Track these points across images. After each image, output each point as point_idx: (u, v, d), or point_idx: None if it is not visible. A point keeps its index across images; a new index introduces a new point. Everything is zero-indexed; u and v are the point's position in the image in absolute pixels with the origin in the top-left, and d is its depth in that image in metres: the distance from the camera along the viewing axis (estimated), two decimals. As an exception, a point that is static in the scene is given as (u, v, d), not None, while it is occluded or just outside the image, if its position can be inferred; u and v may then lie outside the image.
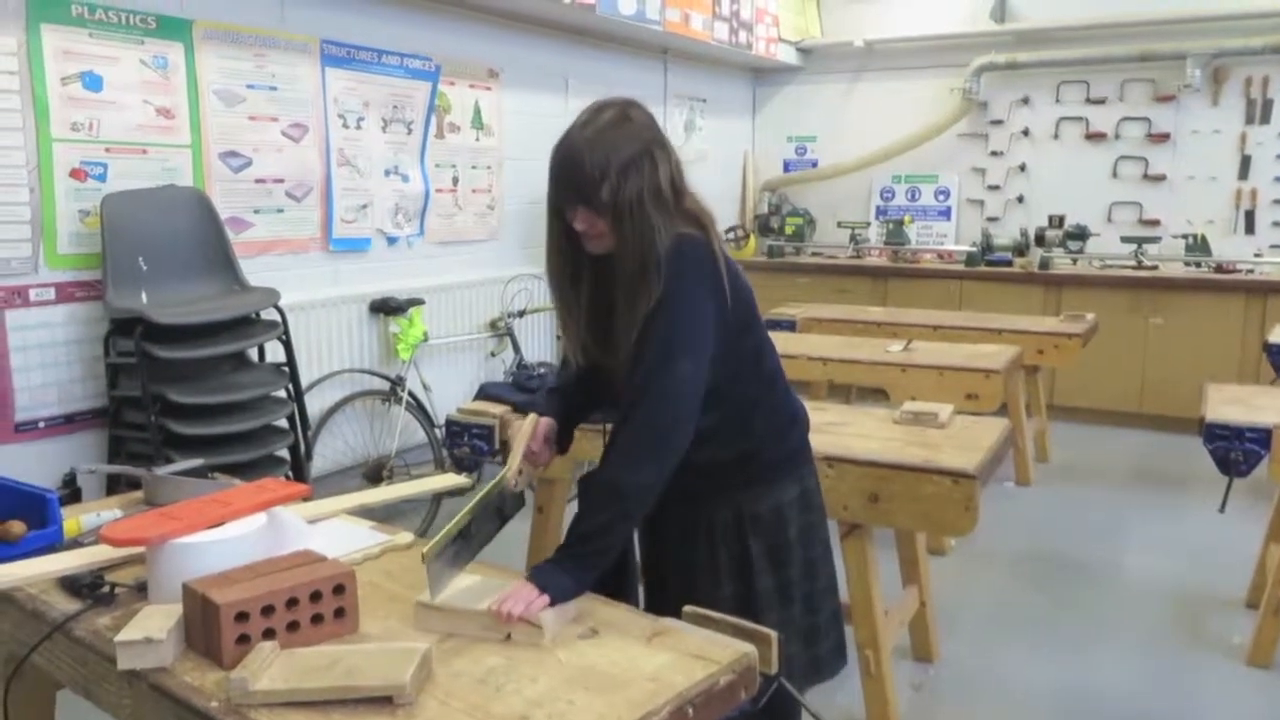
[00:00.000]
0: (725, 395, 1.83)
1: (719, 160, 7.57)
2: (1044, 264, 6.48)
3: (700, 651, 1.41)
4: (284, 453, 3.76)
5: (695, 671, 1.35)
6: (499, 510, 1.70)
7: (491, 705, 1.29)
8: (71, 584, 1.62)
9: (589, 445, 3.21)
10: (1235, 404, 3.39)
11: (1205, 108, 6.50)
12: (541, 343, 5.67)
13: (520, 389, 3.50)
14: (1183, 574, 3.93)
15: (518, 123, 5.43)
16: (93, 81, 3.56)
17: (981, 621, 3.52)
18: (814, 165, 7.82)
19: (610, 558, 1.67)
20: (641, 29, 5.77)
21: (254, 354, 3.79)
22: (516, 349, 5.25)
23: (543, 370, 3.97)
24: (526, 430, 1.90)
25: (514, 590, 1.51)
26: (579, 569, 1.60)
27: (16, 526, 1.81)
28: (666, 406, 1.70)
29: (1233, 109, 6.44)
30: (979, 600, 3.69)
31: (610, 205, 1.71)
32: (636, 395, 1.70)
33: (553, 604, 1.51)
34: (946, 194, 7.38)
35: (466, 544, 1.62)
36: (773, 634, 1.45)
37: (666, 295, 1.71)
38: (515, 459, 1.81)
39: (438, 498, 4.33)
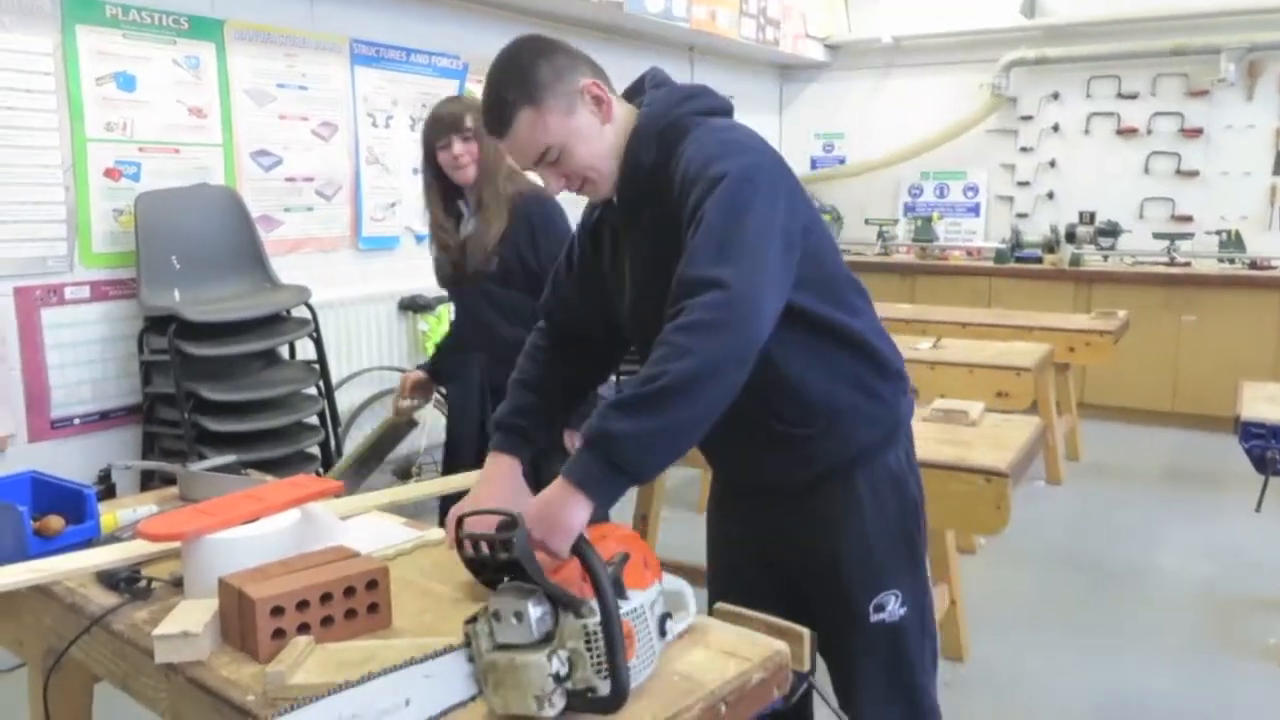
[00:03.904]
0: None
1: (746, 157, 7.54)
2: (1075, 261, 6.42)
3: (732, 648, 1.40)
4: (315, 449, 3.79)
5: (728, 668, 1.35)
6: (394, 436, 2.82)
7: (524, 701, 1.28)
8: (109, 578, 1.63)
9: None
10: (1271, 402, 3.34)
11: (1239, 102, 6.41)
12: (568, 340, 5.67)
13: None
14: (1217, 574, 3.88)
15: (545, 121, 5.43)
16: (126, 81, 3.60)
17: (1011, 621, 3.50)
18: (841, 162, 7.79)
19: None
20: (668, 26, 5.77)
21: (285, 351, 3.82)
22: (544, 346, 5.26)
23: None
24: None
25: None
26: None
27: (54, 521, 1.83)
28: None
29: (1268, 103, 6.35)
30: (1009, 599, 3.67)
31: None
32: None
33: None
34: (975, 190, 7.33)
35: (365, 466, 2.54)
36: (805, 631, 1.45)
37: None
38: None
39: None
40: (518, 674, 1.15)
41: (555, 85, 1.51)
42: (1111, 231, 6.47)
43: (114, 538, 1.83)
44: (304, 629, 1.40)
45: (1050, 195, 7.07)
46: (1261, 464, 3.12)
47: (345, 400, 4.24)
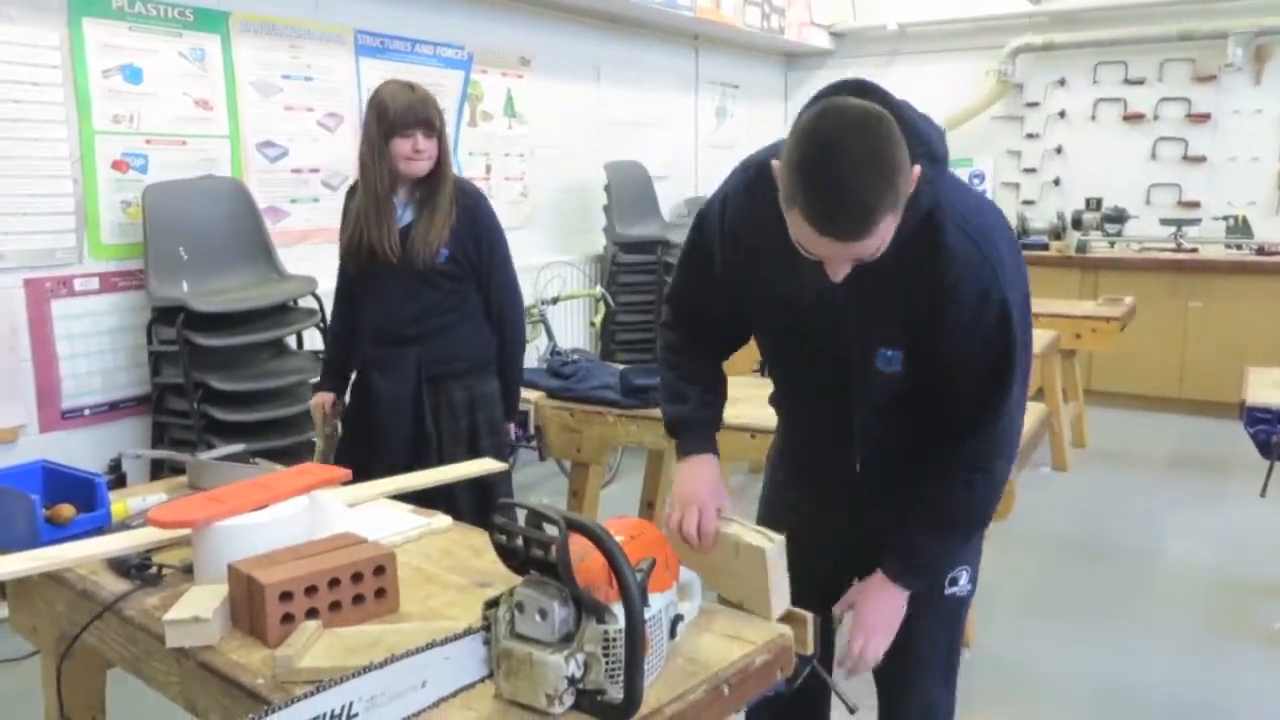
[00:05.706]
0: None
1: (751, 146, 7.51)
2: (1081, 247, 6.40)
3: (736, 632, 1.42)
4: (322, 439, 3.81)
5: (731, 651, 1.37)
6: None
7: (530, 683, 1.30)
8: (120, 565, 1.65)
9: (623, 430, 3.23)
10: (1277, 387, 3.34)
11: (1247, 87, 6.38)
12: (575, 329, 5.68)
13: (555, 375, 3.51)
14: (1222, 560, 3.89)
15: (550, 111, 5.44)
16: (133, 74, 3.62)
17: (1016, 607, 3.51)
18: (847, 150, 7.75)
19: None
20: (673, 15, 5.76)
21: (293, 341, 3.84)
22: (550, 335, 5.27)
23: (576, 356, 3.97)
24: None
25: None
26: None
27: (66, 510, 1.85)
28: None
29: (1275, 88, 6.33)
30: (1014, 586, 3.68)
31: None
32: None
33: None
34: (981, 178, 7.31)
35: None
36: (808, 615, 1.46)
37: None
38: None
39: (473, 483, 4.36)
40: (533, 670, 1.17)
41: (906, 187, 1.33)
42: (1118, 218, 6.45)
43: (124, 525, 1.85)
44: (312, 614, 1.42)
45: (1056, 182, 7.05)
46: (1267, 449, 3.13)
47: (353, 390, 4.26)
